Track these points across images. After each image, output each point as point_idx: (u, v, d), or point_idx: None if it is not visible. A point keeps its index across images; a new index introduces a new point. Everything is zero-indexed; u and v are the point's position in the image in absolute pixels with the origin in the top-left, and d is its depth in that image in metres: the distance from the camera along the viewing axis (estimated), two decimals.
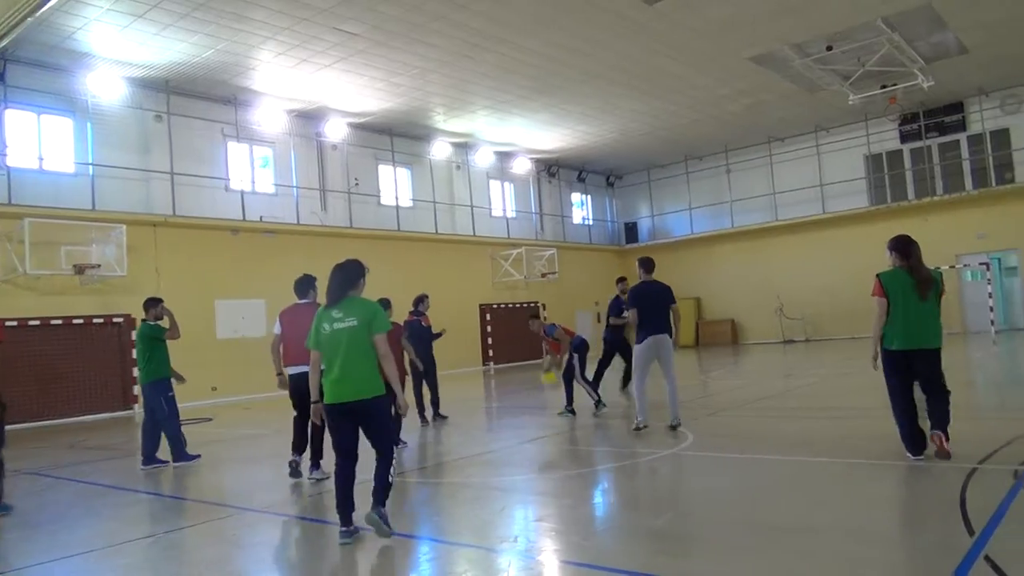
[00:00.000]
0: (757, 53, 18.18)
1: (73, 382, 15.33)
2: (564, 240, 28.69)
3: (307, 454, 7.46)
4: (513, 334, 25.33)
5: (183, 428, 9.08)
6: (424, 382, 11.35)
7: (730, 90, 20.95)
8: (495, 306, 25.15)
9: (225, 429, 12.42)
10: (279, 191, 19.96)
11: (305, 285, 7.82)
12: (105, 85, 16.11)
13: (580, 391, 10.79)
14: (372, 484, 5.00)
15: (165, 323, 8.96)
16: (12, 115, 15.38)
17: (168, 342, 8.88)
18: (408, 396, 5.42)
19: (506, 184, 27.27)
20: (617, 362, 12.33)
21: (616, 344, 12.15)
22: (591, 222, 31.05)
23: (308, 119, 20.35)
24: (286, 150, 20.12)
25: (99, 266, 15.40)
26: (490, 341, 24.72)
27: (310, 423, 7.09)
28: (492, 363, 24.57)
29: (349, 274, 5.21)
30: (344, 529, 5.00)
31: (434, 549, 4.96)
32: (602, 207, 31.79)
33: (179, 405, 8.98)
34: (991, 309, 20.49)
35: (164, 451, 8.84)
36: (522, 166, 26.83)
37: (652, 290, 8.59)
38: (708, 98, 21.58)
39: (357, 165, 21.76)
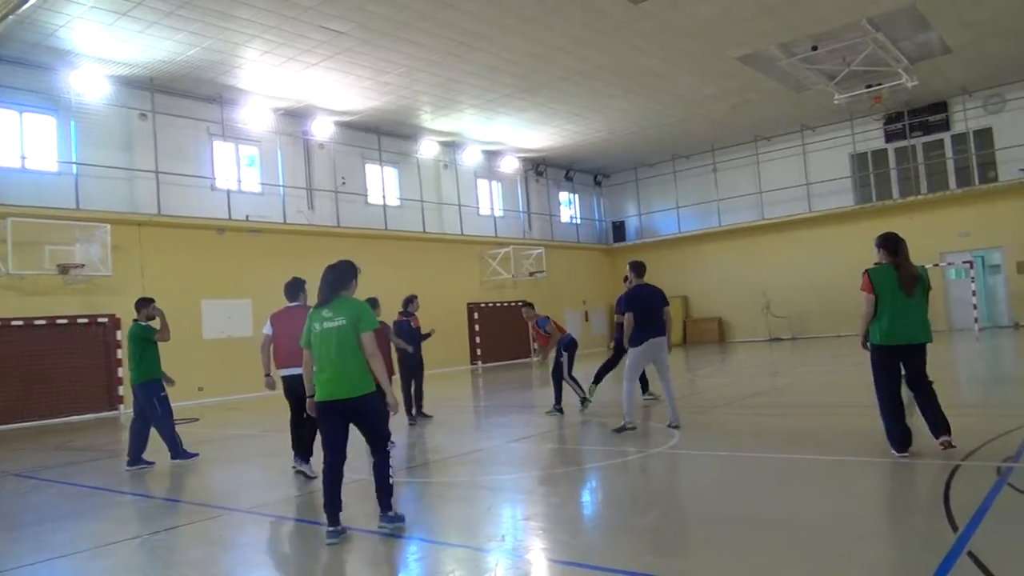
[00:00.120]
0: (743, 53, 18.26)
1: (57, 383, 15.18)
2: (552, 239, 28.72)
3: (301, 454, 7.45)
4: (501, 333, 25.36)
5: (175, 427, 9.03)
6: (411, 381, 11.37)
7: (716, 89, 21.03)
8: (483, 305, 25.14)
9: (212, 429, 12.35)
10: (265, 190, 19.86)
11: (295, 288, 7.85)
12: (89, 83, 15.97)
13: (567, 390, 10.82)
14: (370, 486, 5.02)
15: (156, 324, 8.89)
16: None
17: (153, 333, 8.78)
18: (396, 394, 5.43)
19: (494, 183, 27.25)
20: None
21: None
22: (579, 221, 31.09)
23: (295, 118, 20.26)
24: (272, 149, 20.02)
25: (83, 266, 15.26)
26: (478, 340, 24.70)
27: (305, 418, 7.08)
28: (480, 362, 24.56)
29: (341, 275, 5.28)
30: (331, 529, 5.02)
31: (422, 548, 4.95)
32: (590, 206, 31.85)
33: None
34: (974, 307, 20.72)
35: (150, 453, 8.77)
36: (510, 165, 26.82)
37: (646, 293, 8.66)
38: (695, 97, 21.65)
39: (344, 164, 21.69)
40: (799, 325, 26.27)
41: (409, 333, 11.24)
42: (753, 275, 27.16)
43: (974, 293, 20.86)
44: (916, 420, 6.49)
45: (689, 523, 5.15)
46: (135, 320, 8.86)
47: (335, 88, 18.46)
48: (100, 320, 15.92)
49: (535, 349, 11.33)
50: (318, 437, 6.74)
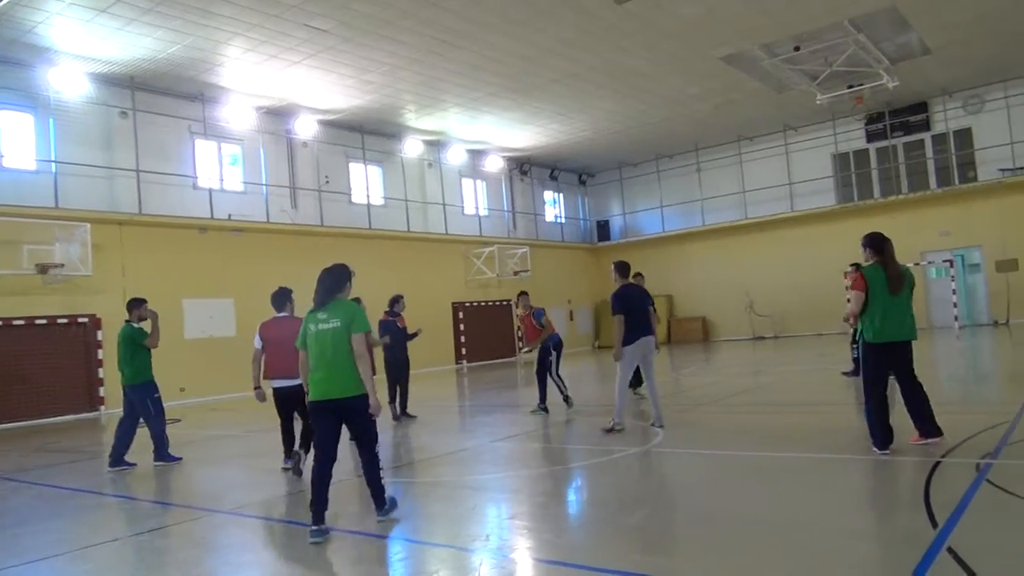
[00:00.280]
0: (726, 53, 18.35)
1: (37, 384, 15.00)
2: (536, 238, 28.73)
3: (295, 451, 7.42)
4: (486, 333, 25.36)
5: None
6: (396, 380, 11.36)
7: (700, 89, 21.12)
8: (468, 304, 25.11)
9: (194, 430, 12.25)
10: (248, 189, 19.72)
11: (282, 298, 7.86)
12: (68, 81, 15.77)
13: (551, 389, 10.83)
14: (353, 488, 5.04)
15: (147, 326, 8.77)
16: None
17: (144, 337, 8.66)
18: (380, 395, 5.46)
19: (478, 182, 27.22)
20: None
21: None
22: (563, 220, 31.13)
23: (278, 116, 20.13)
24: (255, 147, 19.88)
25: (63, 265, 15.08)
26: (463, 339, 24.67)
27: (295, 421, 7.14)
28: (465, 361, 24.53)
29: (336, 278, 5.43)
30: (315, 528, 5.04)
31: (406, 548, 4.94)
32: (574, 205, 31.90)
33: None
34: (955, 305, 20.95)
35: (132, 454, 8.69)
36: (494, 164, 26.80)
37: (634, 293, 8.69)
38: (678, 97, 21.74)
39: (328, 163, 21.58)
40: (782, 324, 26.46)
41: (395, 333, 11.21)
42: (736, 274, 27.32)
43: (954, 292, 21.10)
44: (896, 419, 6.54)
45: (674, 522, 5.17)
46: (127, 321, 8.75)
47: (318, 86, 18.36)
48: (80, 320, 15.75)
49: (521, 343, 11.29)
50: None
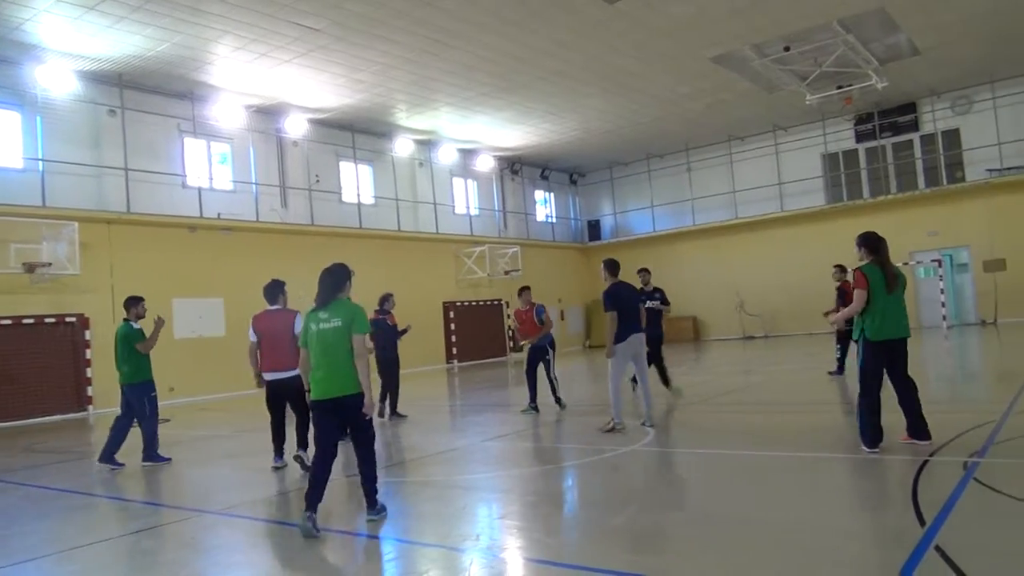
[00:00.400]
0: (717, 53, 18.40)
1: (24, 384, 14.88)
2: (527, 238, 28.73)
3: (291, 448, 7.39)
4: (477, 332, 25.34)
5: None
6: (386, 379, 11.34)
7: (691, 89, 21.17)
8: (459, 304, 25.08)
9: (183, 430, 12.18)
10: (238, 188, 19.63)
11: (275, 290, 7.83)
12: (55, 78, 15.65)
13: (542, 389, 10.83)
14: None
15: (145, 326, 8.70)
16: None
17: (140, 338, 8.56)
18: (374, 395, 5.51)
19: (469, 181, 27.20)
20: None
21: (650, 337, 11.73)
22: (554, 220, 31.14)
23: (267, 115, 20.05)
24: (245, 146, 19.80)
25: (50, 264, 14.98)
26: (454, 339, 24.65)
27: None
28: (456, 361, 24.51)
29: (337, 277, 5.50)
30: (308, 513, 5.09)
31: (396, 548, 4.93)
32: (565, 205, 31.91)
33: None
34: (943, 305, 21.08)
35: (122, 455, 8.63)
36: (485, 164, 26.78)
37: (625, 291, 8.70)
38: (669, 97, 21.78)
39: (318, 162, 21.51)
40: (772, 323, 26.55)
41: (385, 331, 11.19)
42: (727, 274, 27.40)
43: (942, 291, 21.23)
44: (885, 418, 6.57)
45: (663, 521, 5.18)
46: (125, 319, 8.69)
47: (309, 85, 18.30)
48: (68, 320, 15.64)
49: (513, 340, 11.21)
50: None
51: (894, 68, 20.29)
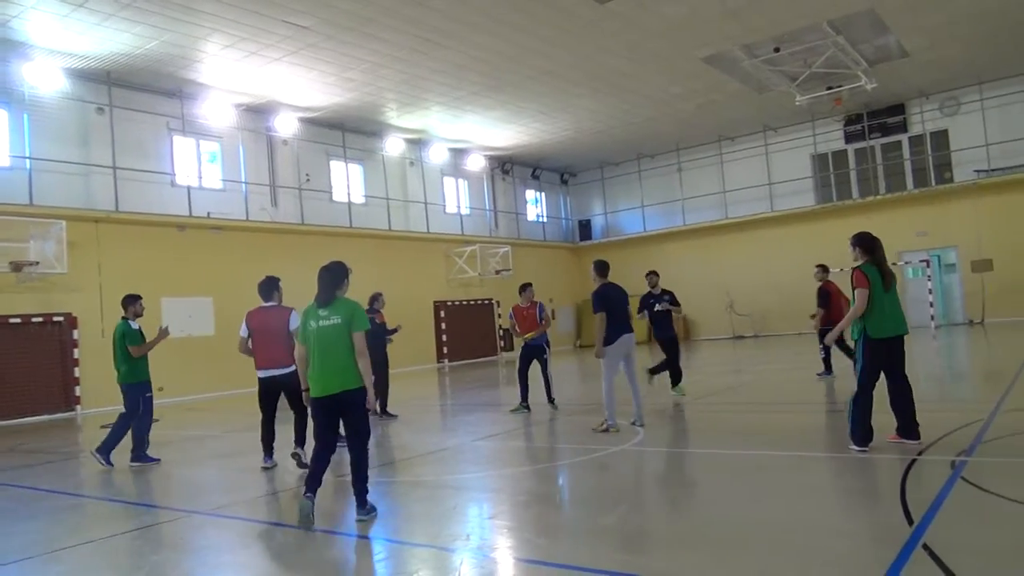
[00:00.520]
0: (708, 53, 18.45)
1: (11, 383, 14.76)
2: (518, 237, 28.73)
3: (286, 447, 7.34)
4: (468, 332, 25.32)
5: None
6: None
7: (682, 89, 21.22)
8: (450, 303, 25.06)
9: (172, 430, 12.10)
10: (227, 187, 19.54)
11: (269, 287, 7.79)
12: (43, 76, 15.53)
13: (533, 389, 10.83)
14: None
15: (146, 326, 8.65)
16: None
17: (136, 340, 8.49)
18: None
19: (460, 181, 27.18)
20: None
21: (663, 338, 11.52)
22: (545, 219, 31.16)
23: (257, 113, 19.96)
24: (235, 145, 19.71)
25: (37, 263, 14.87)
26: (444, 339, 24.62)
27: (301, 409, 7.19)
28: (447, 360, 24.49)
29: (336, 275, 5.62)
30: (308, 494, 5.30)
31: (386, 548, 4.92)
32: (556, 204, 31.93)
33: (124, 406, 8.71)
34: (931, 304, 21.21)
35: (112, 454, 8.57)
36: (476, 163, 26.77)
37: (614, 292, 8.71)
38: (660, 97, 21.83)
39: (308, 161, 21.44)
40: (761, 323, 26.65)
41: (375, 330, 11.15)
42: (717, 274, 27.47)
43: (931, 291, 21.36)
44: (874, 418, 6.60)
45: (652, 521, 5.19)
46: (123, 317, 8.63)
47: (299, 84, 18.24)
48: (56, 319, 15.53)
49: (516, 332, 11.12)
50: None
51: (883, 69, 20.41)
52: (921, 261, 21.95)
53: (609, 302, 8.54)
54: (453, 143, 25.34)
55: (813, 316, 12.28)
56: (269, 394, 7.73)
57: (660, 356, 11.66)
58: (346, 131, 22.24)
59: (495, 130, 24.07)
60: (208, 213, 18.56)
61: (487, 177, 28.05)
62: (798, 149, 26.43)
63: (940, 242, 23.64)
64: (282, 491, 6.83)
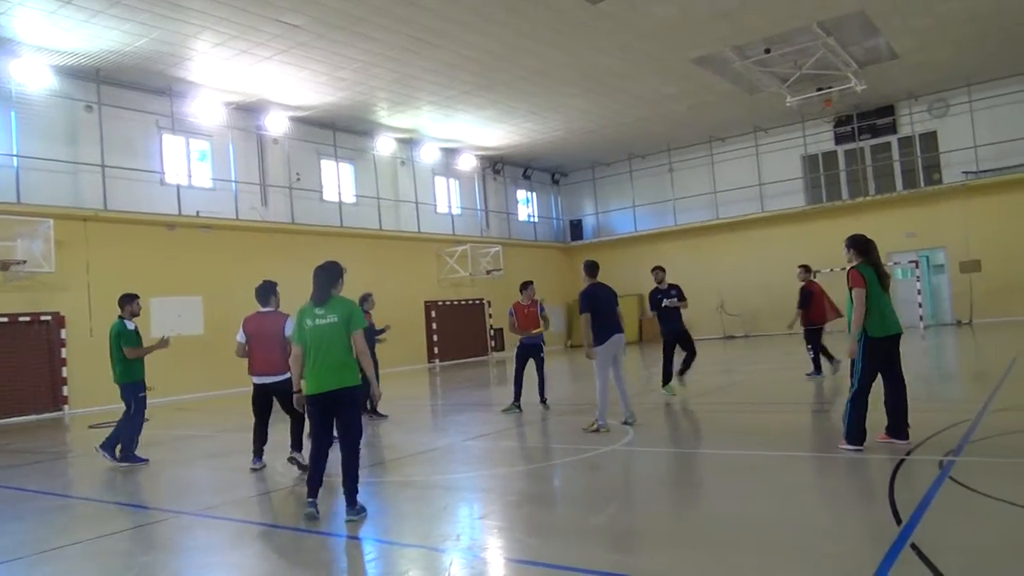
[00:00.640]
0: (699, 54, 18.50)
1: None
2: (509, 237, 28.73)
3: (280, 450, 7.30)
4: (459, 331, 25.29)
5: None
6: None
7: (673, 90, 21.27)
8: (440, 303, 25.03)
9: (162, 430, 12.04)
10: (217, 185, 19.45)
11: (267, 292, 7.76)
12: (31, 73, 15.41)
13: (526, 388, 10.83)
14: (332, 491, 5.38)
15: (142, 324, 8.61)
16: None
17: (131, 340, 8.45)
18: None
19: (451, 181, 27.15)
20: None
21: (675, 334, 11.62)
22: (536, 219, 31.16)
23: (248, 112, 19.88)
24: (224, 143, 19.62)
25: (25, 262, 14.76)
26: (435, 338, 24.59)
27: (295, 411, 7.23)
28: (438, 360, 24.45)
29: (331, 275, 5.68)
30: (310, 500, 5.44)
31: (376, 549, 4.90)
32: (547, 204, 31.94)
33: (116, 407, 8.66)
34: (920, 305, 21.34)
35: (102, 455, 8.52)
36: (467, 163, 26.74)
37: (602, 292, 8.72)
38: (652, 97, 21.87)
39: (299, 160, 21.37)
40: (752, 323, 26.73)
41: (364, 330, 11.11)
42: (707, 274, 27.51)
43: (919, 292, 21.49)
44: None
45: (643, 520, 5.19)
46: (120, 316, 8.57)
47: (289, 82, 18.17)
48: (43, 318, 15.41)
49: (515, 329, 11.09)
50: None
51: (873, 71, 20.51)
52: (910, 262, 22.08)
53: (596, 302, 8.55)
54: (444, 143, 25.31)
55: (790, 326, 12.56)
56: (263, 399, 7.69)
57: (660, 356, 11.73)
58: (337, 130, 22.17)
59: (486, 130, 24.06)
60: (197, 212, 18.46)
61: (478, 177, 28.04)
62: (788, 150, 26.53)
63: (929, 243, 23.78)
64: (271, 491, 6.81)
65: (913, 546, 3.95)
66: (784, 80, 20.44)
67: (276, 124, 20.23)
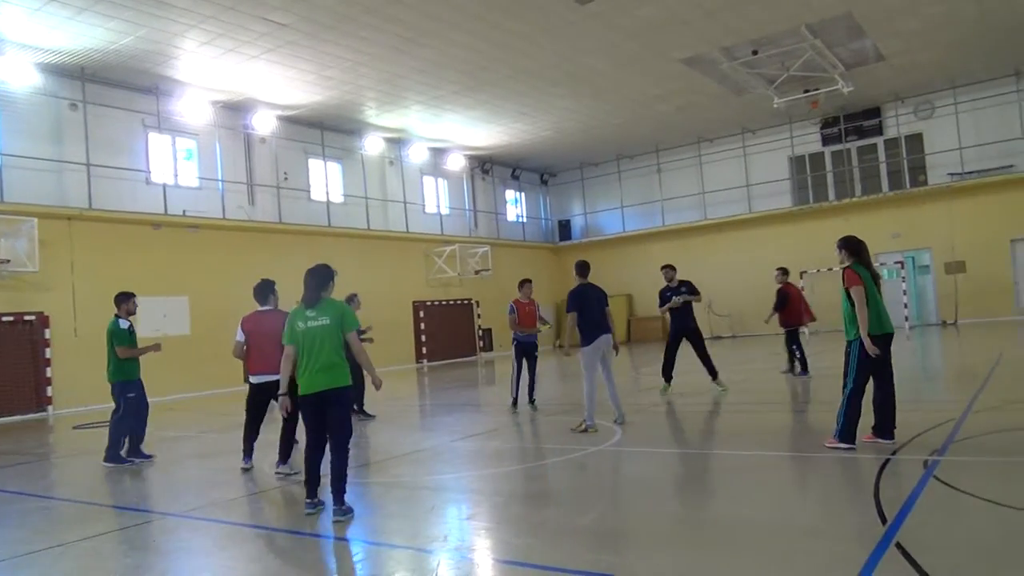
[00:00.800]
0: (687, 55, 18.56)
1: None
2: (498, 237, 28.72)
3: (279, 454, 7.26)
4: (447, 331, 25.24)
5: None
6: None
7: (661, 91, 21.32)
8: (429, 303, 24.99)
9: (148, 431, 11.93)
10: (204, 185, 19.32)
11: (265, 290, 7.72)
12: (14, 71, 15.26)
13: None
14: (331, 485, 5.40)
15: (136, 325, 8.56)
16: None
17: (124, 339, 8.41)
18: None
19: (440, 180, 27.10)
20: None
21: (684, 330, 11.72)
22: (525, 219, 31.17)
23: (235, 111, 19.76)
24: (211, 142, 19.50)
25: (8, 261, 14.62)
26: (424, 339, 24.54)
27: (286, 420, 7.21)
28: (426, 360, 24.40)
29: (322, 277, 5.77)
30: (309, 501, 5.56)
31: (363, 550, 4.88)
32: (536, 204, 31.95)
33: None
34: (905, 306, 21.48)
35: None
36: (456, 163, 26.70)
37: (591, 292, 8.73)
38: (640, 98, 21.92)
39: (286, 159, 21.27)
40: (739, 324, 26.84)
41: None
42: (695, 274, 27.04)
43: (905, 293, 21.63)
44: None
45: (630, 521, 5.19)
46: (116, 315, 8.50)
47: (277, 81, 18.08)
48: (27, 318, 15.27)
49: (514, 326, 11.06)
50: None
51: (860, 73, 20.64)
52: (896, 263, 22.23)
53: (584, 301, 8.57)
54: (433, 142, 25.27)
55: (767, 321, 12.72)
56: (260, 399, 7.62)
57: (658, 357, 11.81)
58: (325, 129, 22.09)
59: (475, 130, 24.04)
60: (184, 211, 18.34)
61: (467, 177, 28.01)
62: (776, 151, 26.66)
63: (914, 244, 23.95)
64: (258, 492, 6.77)
65: (898, 545, 3.97)
66: (771, 81, 20.54)
67: (263, 123, 20.12)
